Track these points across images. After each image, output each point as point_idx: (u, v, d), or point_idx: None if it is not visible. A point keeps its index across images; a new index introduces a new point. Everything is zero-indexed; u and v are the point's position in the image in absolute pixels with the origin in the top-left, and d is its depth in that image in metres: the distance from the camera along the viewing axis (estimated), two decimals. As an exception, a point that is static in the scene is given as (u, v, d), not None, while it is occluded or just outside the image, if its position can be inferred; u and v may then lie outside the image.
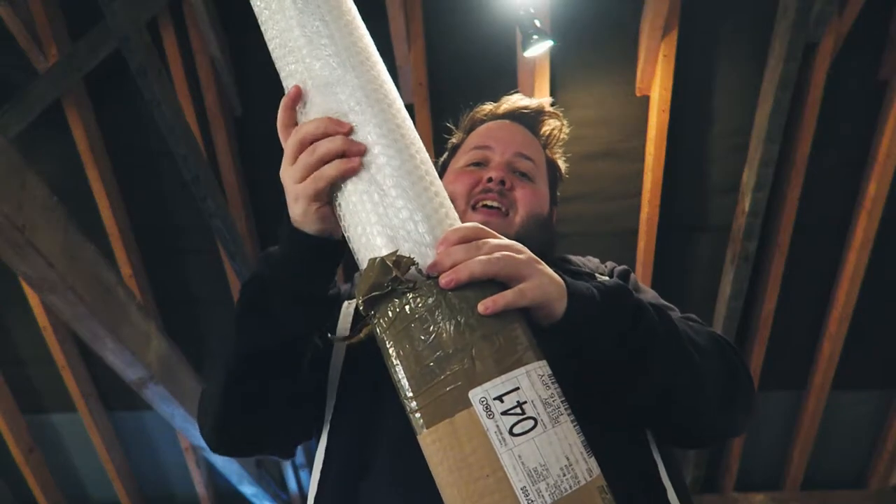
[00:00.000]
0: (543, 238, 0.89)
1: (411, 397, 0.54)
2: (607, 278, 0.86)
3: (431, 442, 0.53)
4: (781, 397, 3.11)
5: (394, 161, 0.60)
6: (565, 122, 1.03)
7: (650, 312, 0.64)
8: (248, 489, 3.19)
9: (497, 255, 0.57)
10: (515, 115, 0.99)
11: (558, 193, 1.04)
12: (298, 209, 0.64)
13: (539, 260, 0.60)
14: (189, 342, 2.62)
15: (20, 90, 2.39)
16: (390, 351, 0.56)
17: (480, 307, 0.54)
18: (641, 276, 2.77)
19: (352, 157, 0.60)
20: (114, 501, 3.51)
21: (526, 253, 0.60)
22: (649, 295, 0.85)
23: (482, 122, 1.00)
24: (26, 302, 2.91)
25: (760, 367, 2.95)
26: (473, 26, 2.41)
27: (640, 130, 2.57)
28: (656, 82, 2.45)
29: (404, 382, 0.54)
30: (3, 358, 3.14)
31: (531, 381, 0.53)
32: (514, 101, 1.01)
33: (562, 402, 0.54)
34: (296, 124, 0.64)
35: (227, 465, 2.96)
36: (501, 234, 0.78)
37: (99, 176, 2.64)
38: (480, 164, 0.92)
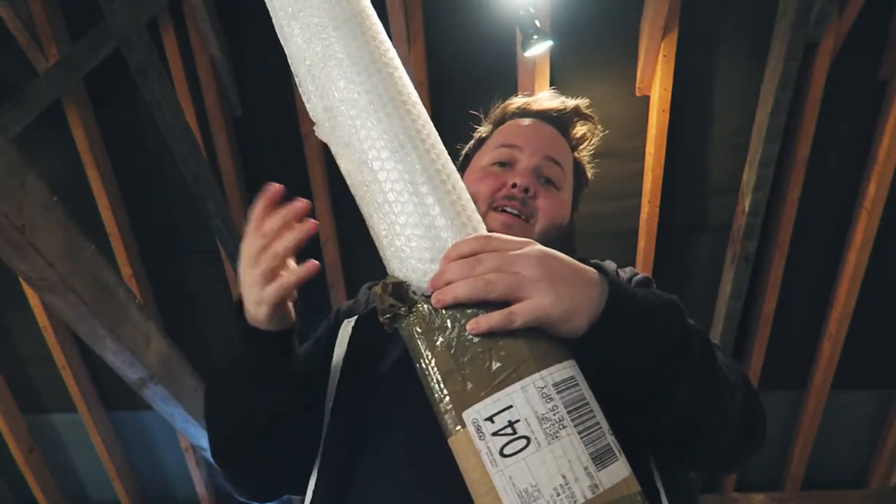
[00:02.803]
0: (563, 247, 0.86)
1: (436, 408, 0.55)
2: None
3: (454, 454, 0.54)
4: (781, 397, 3.10)
5: (406, 168, 0.59)
6: (599, 126, 0.99)
7: (697, 339, 0.60)
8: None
9: (489, 276, 0.53)
10: (548, 116, 0.95)
11: (580, 199, 1.01)
12: (261, 314, 0.64)
13: (556, 272, 0.55)
14: (189, 342, 2.62)
15: (20, 90, 2.39)
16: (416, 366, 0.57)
17: (468, 327, 0.53)
18: (641, 276, 2.77)
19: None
20: (114, 501, 3.50)
21: (539, 266, 0.55)
22: None
23: (512, 116, 0.96)
24: (26, 302, 2.91)
25: (760, 367, 2.95)
26: (473, 26, 2.41)
27: (640, 130, 2.57)
28: (656, 82, 2.45)
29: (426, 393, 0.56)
30: (3, 358, 3.13)
31: (527, 396, 0.51)
32: (549, 99, 0.97)
33: (568, 412, 0.51)
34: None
35: (227, 465, 2.96)
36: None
37: (99, 176, 2.64)
38: (506, 164, 0.88)
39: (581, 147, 0.98)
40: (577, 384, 0.53)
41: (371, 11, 0.67)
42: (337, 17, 0.63)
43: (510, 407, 0.51)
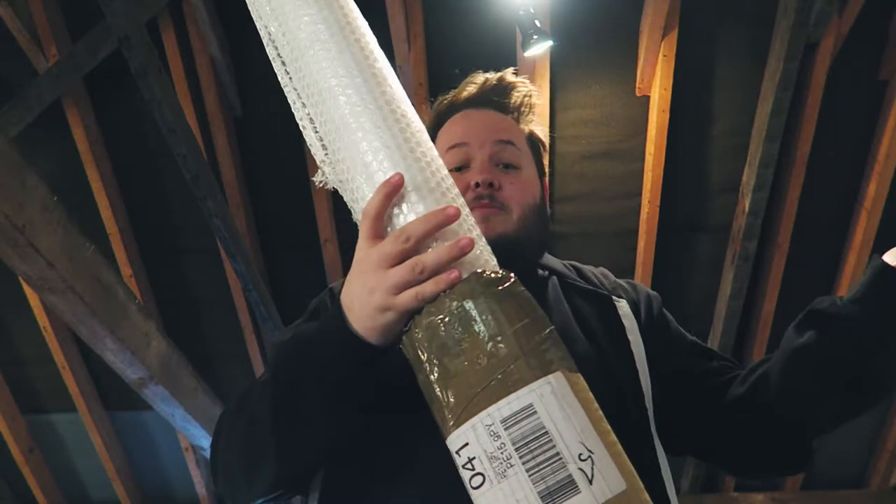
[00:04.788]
0: (539, 226, 0.86)
1: None
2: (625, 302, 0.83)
3: None
4: (781, 397, 3.10)
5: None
6: (532, 86, 0.95)
7: None
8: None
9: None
10: (480, 99, 0.91)
11: (545, 165, 0.97)
12: (383, 319, 0.57)
13: None
14: (189, 342, 2.62)
15: (20, 90, 2.39)
16: None
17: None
18: (641, 276, 2.77)
19: (452, 264, 0.55)
20: (114, 501, 3.50)
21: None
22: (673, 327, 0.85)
23: (447, 115, 0.93)
24: (26, 302, 2.91)
25: (760, 367, 2.95)
26: (473, 26, 2.41)
27: (640, 130, 2.57)
28: (656, 82, 2.45)
29: None
30: (3, 358, 3.13)
31: (476, 434, 0.50)
32: (475, 84, 0.93)
33: (516, 448, 0.49)
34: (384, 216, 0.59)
35: (227, 465, 2.96)
36: (503, 232, 0.78)
37: (99, 176, 2.64)
38: (462, 167, 0.85)
39: (524, 115, 0.93)
40: (535, 412, 0.49)
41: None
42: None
43: (466, 444, 0.51)
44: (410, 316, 0.57)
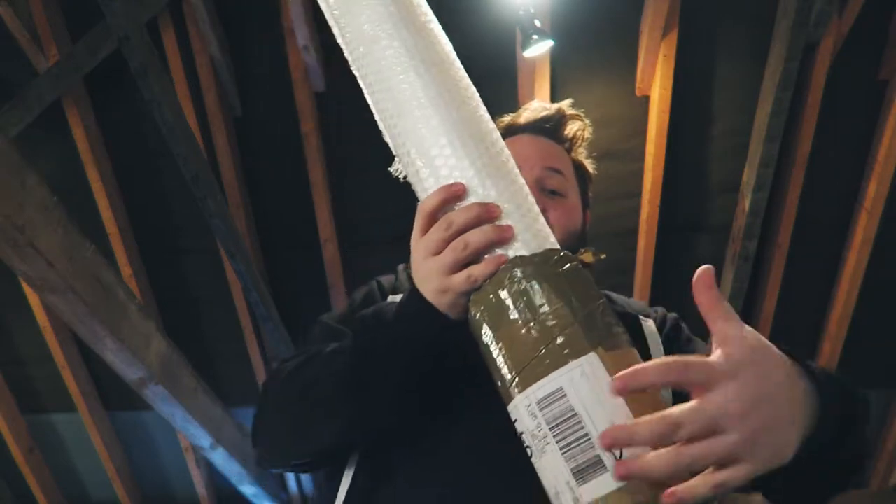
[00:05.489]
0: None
1: None
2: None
3: None
4: (781, 397, 3.10)
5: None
6: (587, 121, 0.99)
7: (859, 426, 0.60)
8: (248, 489, 3.19)
9: (689, 451, 0.45)
10: (536, 126, 0.96)
11: (590, 194, 1.02)
12: (446, 300, 0.62)
13: (766, 421, 0.47)
14: (189, 342, 2.62)
15: (20, 90, 2.39)
16: None
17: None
18: (641, 276, 2.77)
19: (501, 245, 0.59)
20: (114, 501, 3.50)
21: (745, 422, 0.46)
22: (700, 345, 0.86)
23: (503, 137, 0.98)
24: (26, 302, 2.91)
25: (760, 367, 2.95)
26: (473, 26, 2.41)
27: (640, 130, 2.57)
28: (656, 82, 2.45)
29: None
30: (3, 358, 3.13)
31: (519, 413, 0.55)
32: (533, 111, 0.98)
33: (550, 428, 0.52)
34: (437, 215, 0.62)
35: (227, 465, 2.96)
36: None
37: (99, 176, 2.64)
38: None
39: (576, 146, 0.98)
40: (565, 395, 0.52)
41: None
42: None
43: (516, 420, 0.56)
44: (470, 293, 0.61)
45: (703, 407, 0.46)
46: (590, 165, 1.01)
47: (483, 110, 0.68)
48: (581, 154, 0.99)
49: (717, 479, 0.45)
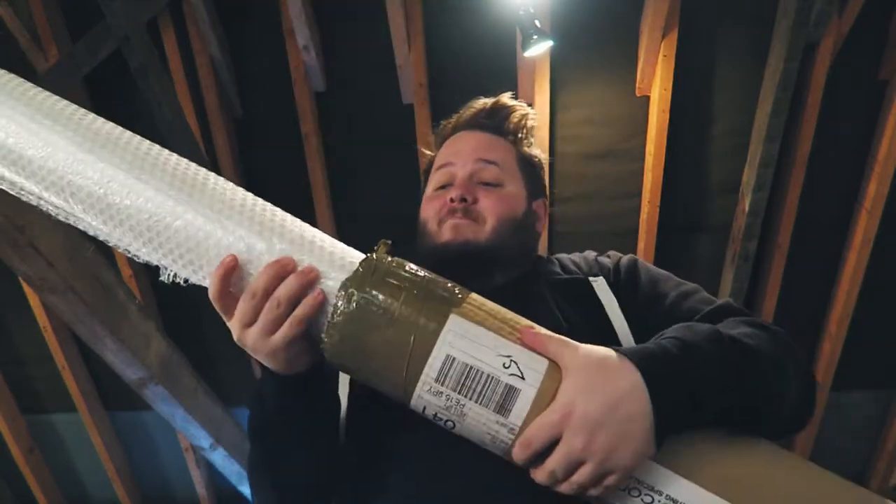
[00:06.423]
0: (520, 239, 0.89)
1: None
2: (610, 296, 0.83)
3: None
4: (781, 397, 3.10)
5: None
6: (530, 109, 0.98)
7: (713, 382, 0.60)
8: (248, 489, 3.19)
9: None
10: (476, 122, 0.95)
11: (545, 185, 1.00)
12: (281, 362, 0.63)
13: (609, 433, 0.55)
14: (189, 343, 2.62)
15: (20, 90, 2.39)
16: None
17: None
18: (641, 276, 2.77)
19: (312, 286, 0.60)
20: (114, 501, 3.50)
21: (589, 436, 0.55)
22: (663, 276, 0.84)
23: (450, 136, 0.97)
24: (26, 302, 2.91)
25: (760, 367, 2.94)
26: (473, 26, 2.41)
27: (640, 130, 2.57)
28: (656, 82, 2.45)
29: None
30: (3, 358, 3.13)
31: (423, 400, 0.59)
32: (472, 107, 0.97)
33: (458, 391, 0.57)
34: (229, 291, 0.64)
35: (227, 466, 2.96)
36: (472, 239, 0.83)
37: (99, 176, 2.64)
38: (446, 185, 0.90)
39: (521, 135, 0.96)
40: (454, 358, 0.57)
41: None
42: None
43: (425, 407, 0.59)
44: (307, 337, 0.62)
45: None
46: (539, 153, 0.99)
47: (213, 178, 0.71)
48: (528, 144, 0.98)
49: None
